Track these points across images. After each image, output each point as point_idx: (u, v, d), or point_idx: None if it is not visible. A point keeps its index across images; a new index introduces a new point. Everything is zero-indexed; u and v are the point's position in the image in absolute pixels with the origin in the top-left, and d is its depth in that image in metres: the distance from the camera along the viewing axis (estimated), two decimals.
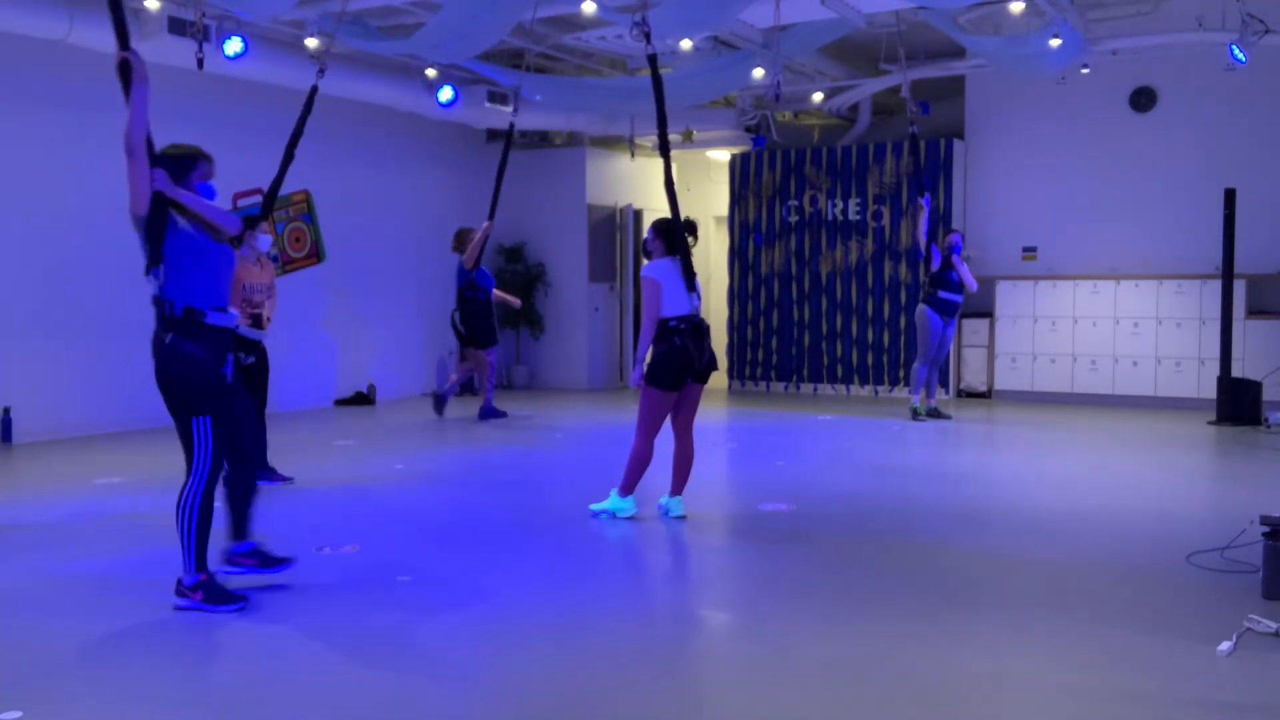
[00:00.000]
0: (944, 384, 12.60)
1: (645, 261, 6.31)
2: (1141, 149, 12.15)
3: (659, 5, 8.51)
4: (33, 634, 4.32)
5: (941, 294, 10.65)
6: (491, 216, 10.44)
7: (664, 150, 6.39)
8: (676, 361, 6.06)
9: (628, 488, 6.35)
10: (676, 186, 6.51)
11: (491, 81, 11.83)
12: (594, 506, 6.48)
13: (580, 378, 14.07)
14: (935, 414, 10.88)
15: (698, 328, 6.12)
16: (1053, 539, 5.93)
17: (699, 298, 6.21)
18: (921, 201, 10.55)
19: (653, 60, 6.52)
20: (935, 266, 10.61)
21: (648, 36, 6.45)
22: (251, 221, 6.89)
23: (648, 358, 6.21)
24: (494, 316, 10.79)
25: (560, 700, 3.64)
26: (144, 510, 6.63)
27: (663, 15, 8.57)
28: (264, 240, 7.09)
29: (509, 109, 12.54)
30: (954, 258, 10.61)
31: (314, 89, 7.75)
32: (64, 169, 9.58)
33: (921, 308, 10.77)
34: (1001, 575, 5.24)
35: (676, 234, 6.20)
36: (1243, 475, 8.16)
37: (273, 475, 7.36)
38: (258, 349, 7.07)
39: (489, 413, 10.89)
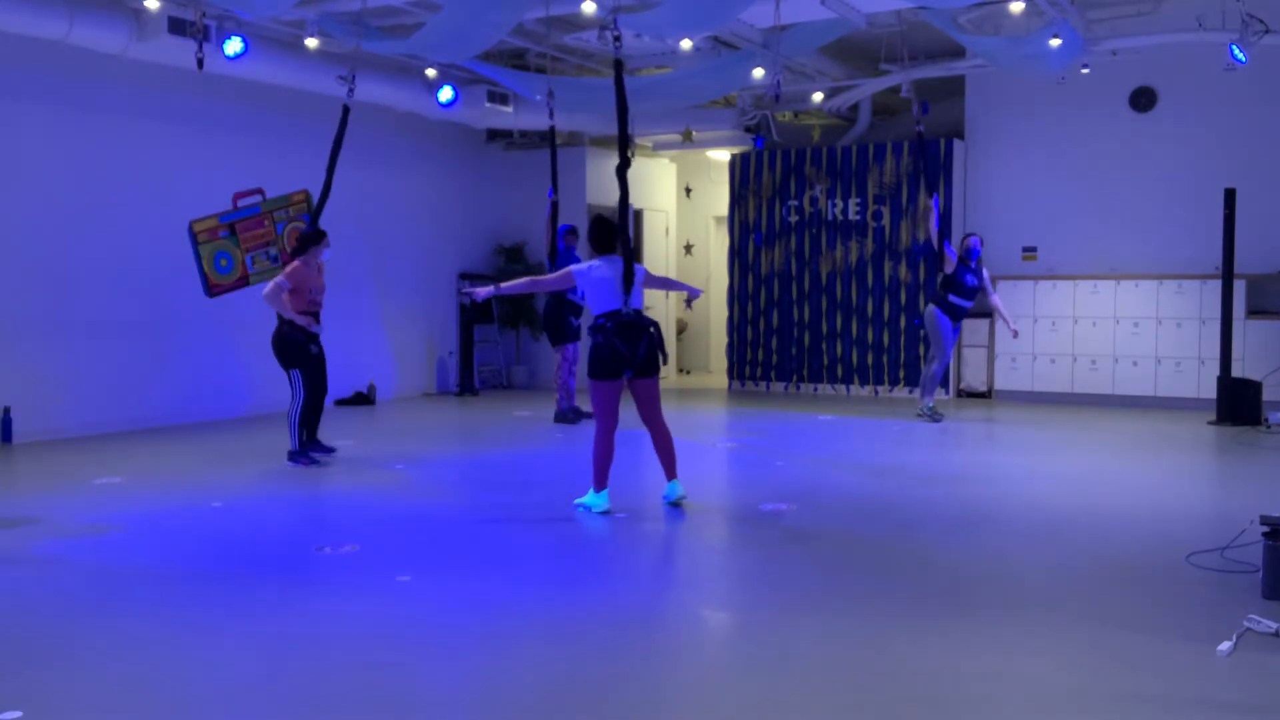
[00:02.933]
0: (944, 384, 12.59)
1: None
2: (1141, 149, 12.15)
3: (660, 5, 8.52)
4: (33, 634, 4.32)
5: (953, 298, 10.48)
6: (555, 190, 10.68)
7: (622, 150, 6.81)
8: (604, 356, 6.40)
9: (597, 482, 6.56)
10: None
11: (493, 82, 11.82)
12: (577, 501, 6.70)
13: (581, 377, 14.06)
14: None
15: (627, 325, 6.37)
16: (1053, 539, 5.93)
17: (640, 298, 6.53)
18: (931, 202, 10.50)
19: (618, 66, 6.92)
20: (950, 269, 10.41)
21: (617, 39, 6.90)
22: (317, 236, 8.27)
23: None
24: (569, 311, 10.55)
25: (560, 699, 3.64)
26: (142, 510, 6.62)
27: (663, 15, 8.57)
28: (325, 252, 8.36)
29: (508, 109, 12.61)
30: (972, 262, 10.43)
31: (346, 110, 8.76)
32: (64, 169, 9.57)
33: (931, 309, 10.64)
34: (1001, 575, 5.24)
35: (609, 236, 6.61)
36: (1243, 475, 8.16)
37: (321, 447, 8.38)
38: (318, 341, 8.26)
39: (563, 414, 10.57)
